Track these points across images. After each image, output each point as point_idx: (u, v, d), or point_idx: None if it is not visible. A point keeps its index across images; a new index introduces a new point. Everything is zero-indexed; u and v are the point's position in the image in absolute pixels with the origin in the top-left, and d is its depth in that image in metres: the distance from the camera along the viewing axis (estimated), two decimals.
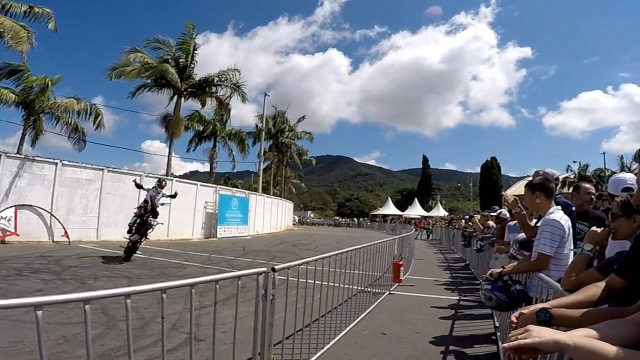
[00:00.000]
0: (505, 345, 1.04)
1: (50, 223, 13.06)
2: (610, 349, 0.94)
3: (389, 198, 68.83)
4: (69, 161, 14.10)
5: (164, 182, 11.09)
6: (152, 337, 4.06)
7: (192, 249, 13.78)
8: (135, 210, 10.73)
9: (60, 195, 13.53)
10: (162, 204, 10.85)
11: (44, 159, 13.43)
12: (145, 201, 10.39)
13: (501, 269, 3.33)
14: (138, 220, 10.19)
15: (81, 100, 19.18)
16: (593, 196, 3.97)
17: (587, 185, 4.02)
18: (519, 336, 1.03)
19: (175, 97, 23.12)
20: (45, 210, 12.96)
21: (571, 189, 4.66)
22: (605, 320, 1.18)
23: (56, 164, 13.47)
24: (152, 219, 10.21)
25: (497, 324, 5.15)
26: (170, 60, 22.41)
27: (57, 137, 20.71)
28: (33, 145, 19.91)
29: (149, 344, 3.91)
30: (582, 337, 1.01)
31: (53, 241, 12.87)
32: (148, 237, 10.54)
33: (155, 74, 21.71)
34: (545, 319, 1.48)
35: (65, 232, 13.06)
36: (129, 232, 10.16)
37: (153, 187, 10.68)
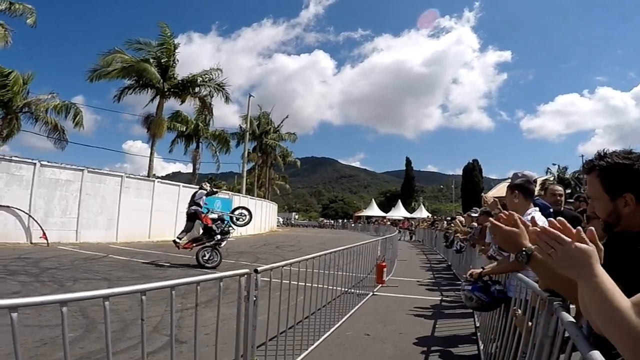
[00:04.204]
0: (540, 229, 1.08)
1: (28, 224, 12.71)
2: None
3: (373, 200, 69.28)
4: (48, 161, 13.76)
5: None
6: (133, 339, 3.99)
7: (174, 250, 13.53)
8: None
9: (39, 196, 13.18)
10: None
11: (22, 159, 13.08)
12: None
13: (481, 270, 3.39)
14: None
15: (56, 96, 18.93)
16: (559, 197, 4.08)
17: (556, 187, 4.15)
18: (555, 241, 1.05)
19: (158, 97, 22.86)
20: (23, 212, 12.61)
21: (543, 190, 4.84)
22: None
23: (34, 164, 13.12)
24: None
25: (478, 324, 5.23)
26: (151, 61, 22.15)
27: (36, 137, 20.34)
28: (5, 141, 19.45)
29: (129, 346, 3.85)
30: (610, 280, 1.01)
31: (31, 243, 12.54)
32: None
33: (133, 72, 21.41)
34: (524, 261, 1.54)
35: (44, 234, 12.74)
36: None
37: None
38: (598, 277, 1.00)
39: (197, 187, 11.91)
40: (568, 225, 1.07)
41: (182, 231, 10.41)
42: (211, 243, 10.00)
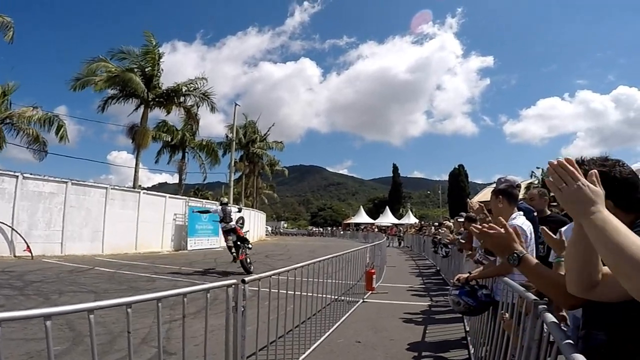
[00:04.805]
0: (555, 162, 1.10)
1: (11, 238, 12.46)
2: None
3: (361, 207, 69.37)
4: (31, 174, 13.53)
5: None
6: (121, 352, 3.93)
7: (161, 261, 13.42)
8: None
9: (22, 209, 12.94)
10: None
11: (4, 172, 12.86)
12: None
13: (468, 275, 3.42)
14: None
15: (39, 110, 18.69)
16: (531, 201, 4.20)
17: (532, 192, 4.31)
18: (569, 177, 1.07)
19: (142, 107, 22.64)
20: (6, 225, 12.35)
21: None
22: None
23: (17, 177, 12.88)
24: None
25: (468, 329, 5.26)
26: (136, 70, 21.94)
27: (17, 148, 19.92)
28: None
29: (117, 358, 3.81)
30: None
31: (15, 256, 12.29)
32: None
33: (118, 82, 21.20)
34: (515, 263, 1.56)
35: (28, 247, 12.49)
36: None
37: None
38: (606, 213, 1.02)
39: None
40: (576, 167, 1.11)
41: (229, 246, 11.47)
42: (249, 251, 11.63)
